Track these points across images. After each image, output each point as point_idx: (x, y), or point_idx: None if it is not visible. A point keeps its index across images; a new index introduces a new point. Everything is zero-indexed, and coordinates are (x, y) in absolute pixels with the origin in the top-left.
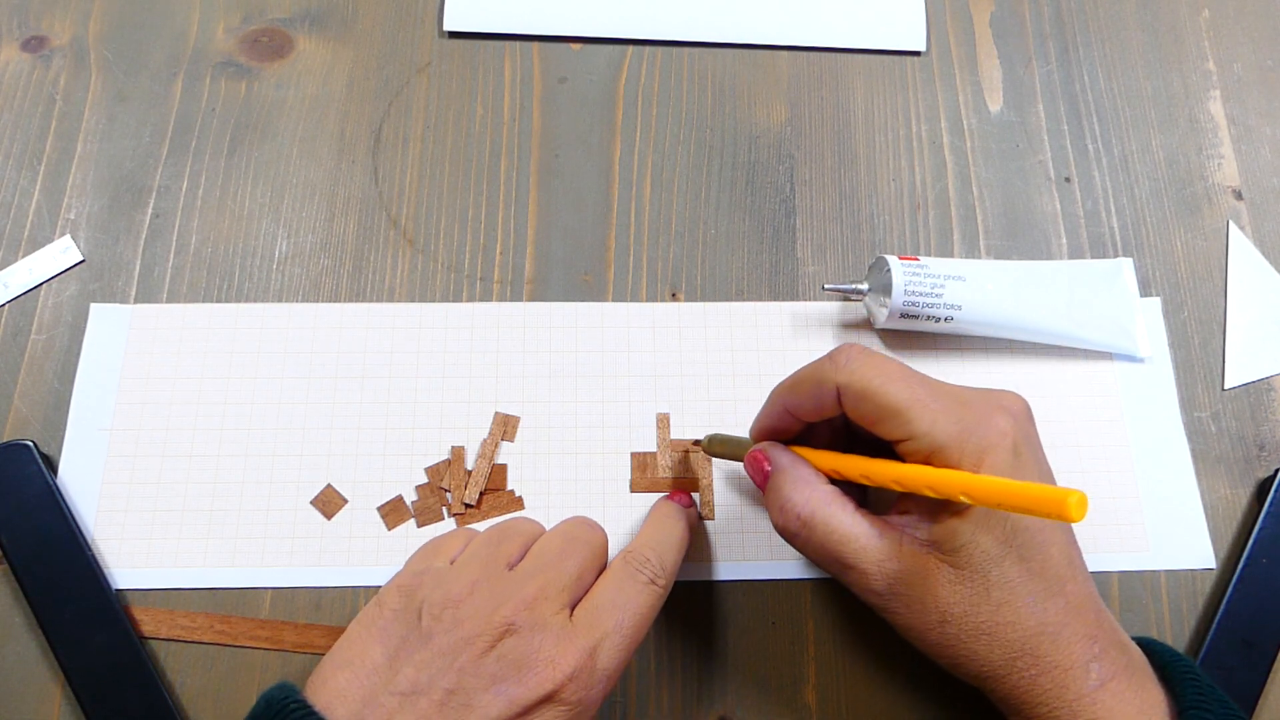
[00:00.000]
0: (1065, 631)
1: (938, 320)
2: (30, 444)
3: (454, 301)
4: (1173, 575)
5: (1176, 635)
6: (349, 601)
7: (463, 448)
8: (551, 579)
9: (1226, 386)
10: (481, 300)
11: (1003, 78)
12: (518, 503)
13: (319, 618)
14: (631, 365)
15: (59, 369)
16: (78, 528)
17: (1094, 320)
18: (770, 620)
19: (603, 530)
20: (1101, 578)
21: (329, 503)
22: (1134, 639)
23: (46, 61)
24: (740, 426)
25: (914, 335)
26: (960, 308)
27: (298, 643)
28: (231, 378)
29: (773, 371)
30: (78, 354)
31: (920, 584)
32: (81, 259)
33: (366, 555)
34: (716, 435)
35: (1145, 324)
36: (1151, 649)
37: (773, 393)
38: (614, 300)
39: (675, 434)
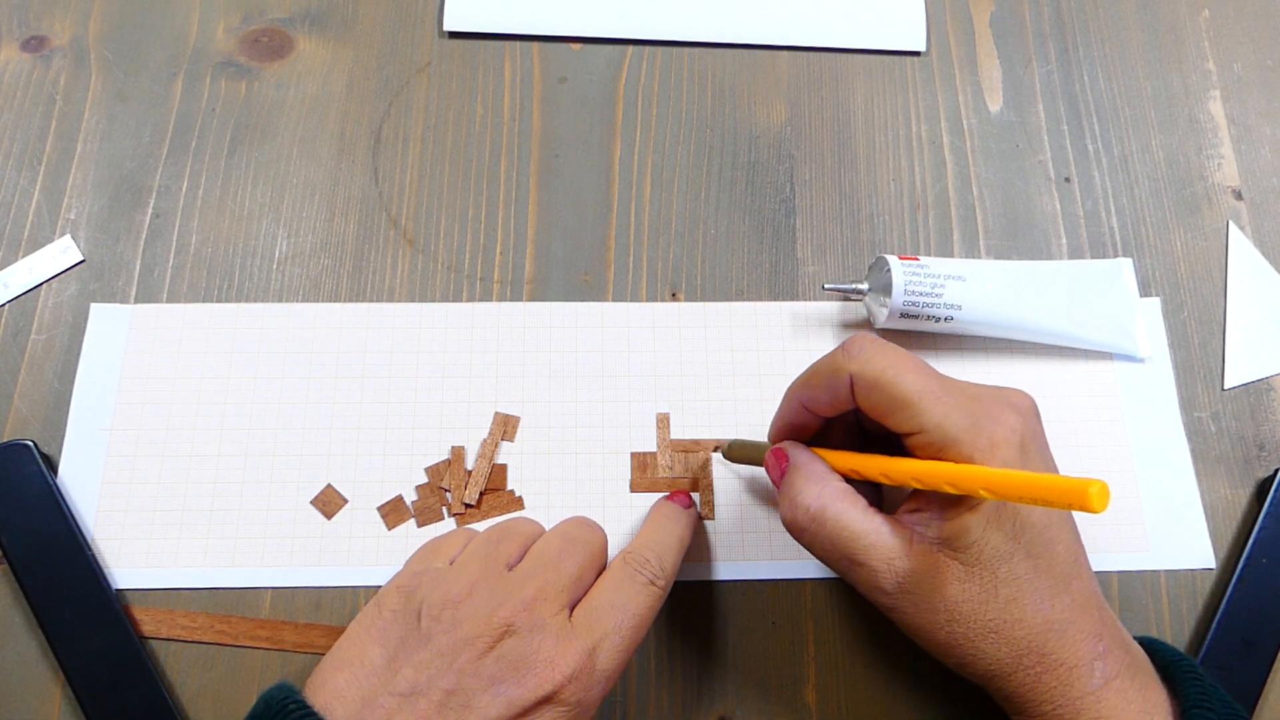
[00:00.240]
0: (1071, 629)
1: (938, 320)
2: (30, 444)
3: (454, 301)
4: (1173, 575)
5: (1176, 635)
6: (349, 601)
7: (463, 448)
8: (551, 579)
9: (1226, 386)
10: (481, 300)
11: (1003, 78)
12: (518, 503)
13: (319, 618)
14: (631, 365)
15: (59, 369)
16: (78, 528)
17: (1094, 320)
18: (770, 620)
19: (602, 530)
20: (1102, 577)
21: (329, 503)
22: (1136, 639)
23: (46, 61)
24: (740, 427)
25: (914, 335)
26: (960, 308)
27: (298, 643)
28: (231, 378)
29: (773, 371)
30: (78, 354)
31: (929, 582)
32: (81, 259)
33: (366, 555)
34: (737, 441)
35: (1145, 324)
36: (1154, 649)
37: (788, 389)
38: (614, 300)
39: (675, 434)
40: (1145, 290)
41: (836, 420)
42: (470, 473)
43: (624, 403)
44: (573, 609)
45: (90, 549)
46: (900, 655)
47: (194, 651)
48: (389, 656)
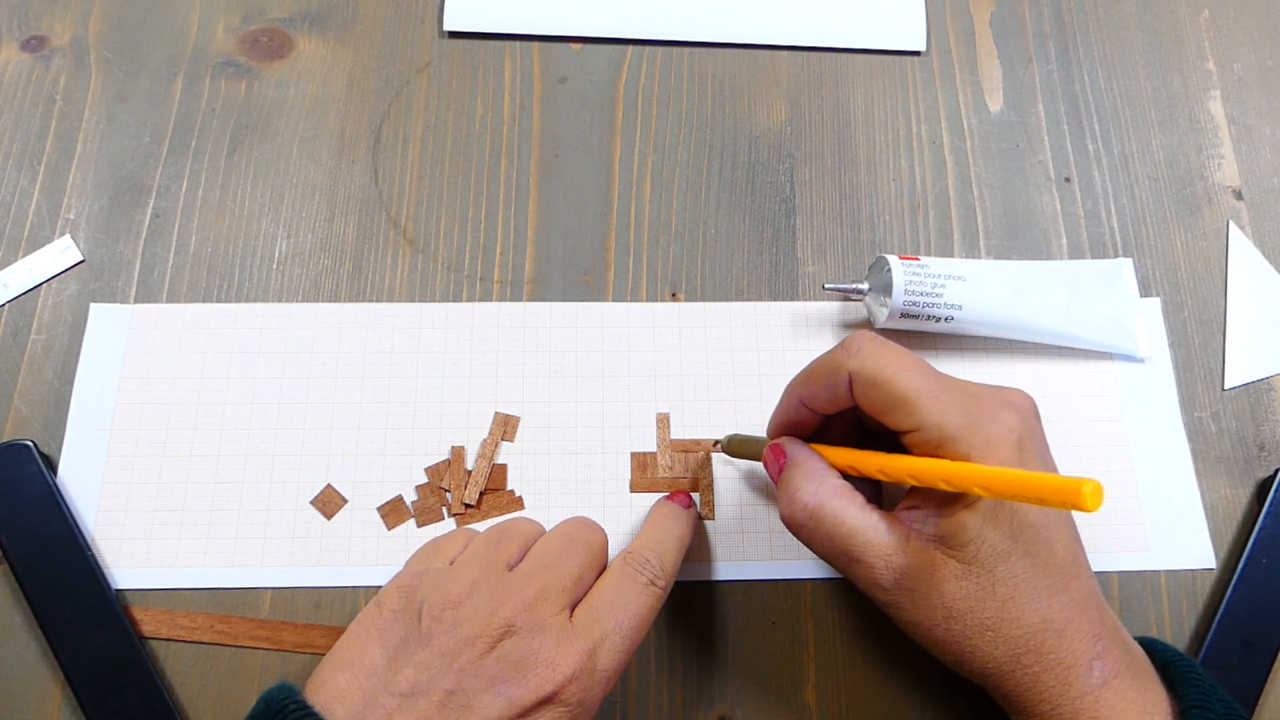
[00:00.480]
0: (1069, 629)
1: (938, 320)
2: (30, 444)
3: (454, 301)
4: (1173, 575)
5: (1176, 635)
6: (349, 601)
7: (463, 448)
8: (551, 580)
9: (1226, 386)
10: (481, 300)
11: (1003, 78)
12: (518, 503)
13: (319, 618)
14: (631, 365)
15: (59, 369)
16: (78, 528)
17: (1094, 320)
18: (770, 620)
19: (603, 531)
20: (1102, 578)
21: (329, 503)
22: (1136, 639)
23: (46, 61)
24: (740, 426)
25: (914, 335)
26: (960, 308)
27: (298, 643)
28: (231, 378)
29: (773, 371)
30: (78, 354)
31: (926, 579)
32: (81, 259)
33: (366, 555)
34: (736, 436)
35: (1145, 324)
36: (1154, 649)
37: (787, 387)
38: (614, 300)
39: (675, 434)
40: (1145, 290)
41: (836, 418)
42: (470, 473)
43: (624, 403)
44: (573, 609)
45: (90, 549)
46: (900, 655)
47: (194, 651)
48: (389, 657)
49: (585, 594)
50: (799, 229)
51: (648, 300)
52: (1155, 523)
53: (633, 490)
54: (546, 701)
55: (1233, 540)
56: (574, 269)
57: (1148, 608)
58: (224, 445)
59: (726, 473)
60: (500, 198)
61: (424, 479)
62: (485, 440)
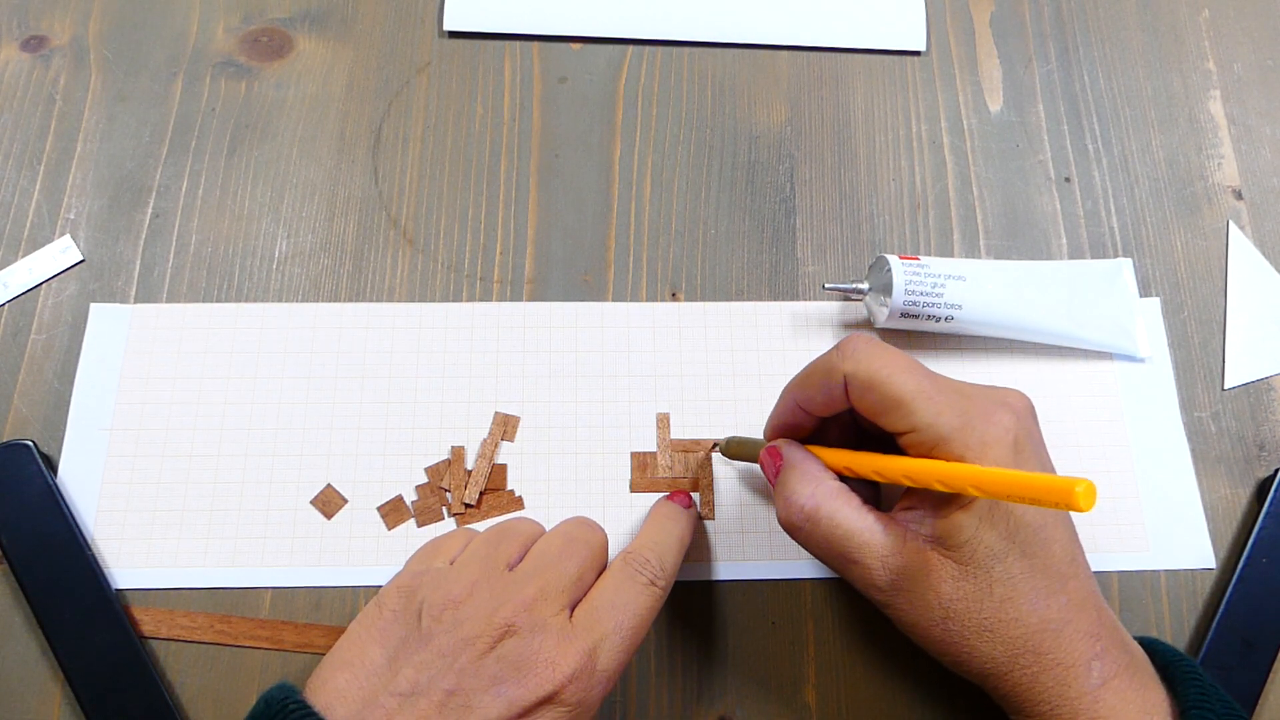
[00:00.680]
0: (1067, 629)
1: (938, 320)
2: (30, 444)
3: (454, 301)
4: (1173, 575)
5: (1176, 635)
6: (349, 601)
7: (463, 448)
8: (551, 580)
9: (1226, 386)
10: (481, 300)
11: (1003, 78)
12: (518, 503)
13: (319, 618)
14: (631, 365)
15: (59, 369)
16: (78, 528)
17: (1094, 320)
18: (770, 620)
19: (603, 531)
20: (1102, 578)
21: (329, 503)
22: (1136, 638)
23: (46, 61)
24: (740, 426)
25: (914, 335)
26: (960, 307)
27: (298, 643)
28: (231, 378)
29: (773, 371)
30: (78, 354)
31: (923, 580)
32: (81, 259)
33: (366, 555)
34: (734, 438)
35: (1145, 324)
36: (1154, 649)
37: (784, 389)
38: (614, 300)
39: (675, 434)
40: (1145, 290)
41: (832, 420)
42: (470, 473)
43: (624, 403)
44: (573, 609)
45: (90, 549)
46: (900, 655)
47: (194, 651)
48: (389, 656)
49: (585, 594)
50: (799, 229)
51: (648, 300)
52: (1155, 523)
53: (633, 490)
54: (546, 701)
55: (1232, 540)
56: (574, 269)
57: (1147, 608)
58: (224, 445)
59: (726, 473)
60: (500, 198)
61: (424, 479)
62: (485, 440)
